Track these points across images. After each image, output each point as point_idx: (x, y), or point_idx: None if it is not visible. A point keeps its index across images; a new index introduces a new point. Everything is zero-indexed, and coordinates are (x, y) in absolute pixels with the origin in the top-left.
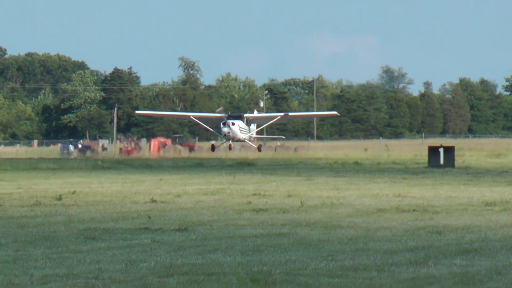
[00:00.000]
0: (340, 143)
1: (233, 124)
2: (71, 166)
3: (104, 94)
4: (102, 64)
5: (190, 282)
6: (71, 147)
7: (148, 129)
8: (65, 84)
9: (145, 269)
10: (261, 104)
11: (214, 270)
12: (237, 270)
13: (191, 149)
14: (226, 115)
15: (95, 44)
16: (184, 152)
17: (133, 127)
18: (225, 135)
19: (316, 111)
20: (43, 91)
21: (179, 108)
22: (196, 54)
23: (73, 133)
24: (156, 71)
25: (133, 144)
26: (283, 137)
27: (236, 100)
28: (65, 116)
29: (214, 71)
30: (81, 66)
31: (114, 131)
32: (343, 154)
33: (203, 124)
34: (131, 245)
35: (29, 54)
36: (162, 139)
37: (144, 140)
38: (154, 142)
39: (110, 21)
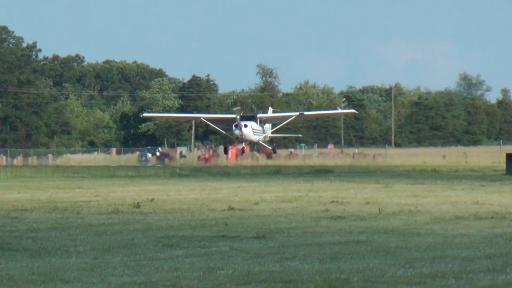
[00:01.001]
0: (418, 150)
1: (245, 126)
2: (149, 173)
3: (182, 102)
4: (180, 71)
5: None
6: (149, 155)
7: (226, 136)
8: (143, 91)
9: (223, 277)
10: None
11: (292, 277)
12: (315, 278)
13: (269, 156)
14: (239, 116)
15: (173, 51)
16: (262, 159)
17: (211, 135)
18: (237, 137)
19: (332, 109)
20: (121, 99)
21: None
22: (274, 61)
23: (151, 141)
24: (234, 78)
25: (211, 151)
26: (300, 135)
27: (314, 107)
28: (143, 124)
29: (292, 78)
30: (159, 73)
31: (192, 138)
32: (421, 161)
33: (214, 126)
34: (209, 252)
35: (107, 62)
36: (239, 146)
37: (222, 148)
38: (232, 150)
39: (188, 28)
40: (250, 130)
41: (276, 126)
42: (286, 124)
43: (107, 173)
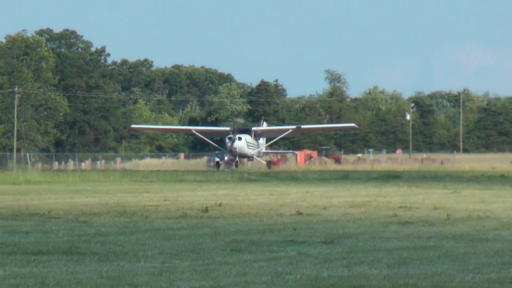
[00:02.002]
0: (486, 156)
1: (239, 139)
2: (217, 178)
3: (250, 107)
4: (248, 76)
5: None
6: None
7: (294, 141)
8: (212, 96)
9: (291, 282)
10: (408, 117)
11: (360, 283)
12: (383, 283)
13: (337, 161)
14: (232, 129)
15: (241, 57)
16: (330, 164)
17: (279, 139)
18: (231, 151)
19: (333, 123)
20: (189, 104)
21: (325, 121)
22: (343, 66)
23: (220, 145)
24: (303, 83)
25: (279, 156)
26: (295, 152)
27: (382, 112)
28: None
29: (360, 83)
30: (227, 78)
31: None
32: (489, 167)
33: (205, 139)
34: (277, 257)
35: (175, 66)
36: (308, 151)
37: (292, 153)
38: (300, 154)
39: (257, 34)
40: (244, 143)
41: (271, 140)
42: (283, 138)
43: (175, 177)
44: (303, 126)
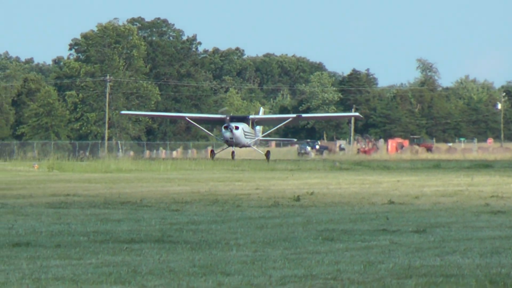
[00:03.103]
0: None
1: (236, 128)
2: (309, 167)
3: (341, 96)
4: (340, 65)
5: (429, 284)
6: (308, 148)
7: (385, 130)
8: (303, 85)
9: (383, 271)
10: (499, 106)
11: (453, 272)
12: (475, 273)
13: (429, 149)
14: (228, 117)
15: (332, 46)
16: (421, 153)
17: (371, 128)
18: (227, 140)
19: (336, 113)
20: (280, 92)
21: (416, 110)
22: (434, 56)
23: (310, 134)
24: (394, 72)
25: (370, 145)
26: (294, 139)
27: (473, 101)
28: None
29: (451, 73)
30: (319, 67)
31: (352, 132)
32: None
33: (200, 127)
34: (369, 246)
35: (267, 55)
36: (399, 140)
37: (381, 141)
38: (392, 143)
39: (348, 23)
40: (242, 132)
41: (270, 129)
42: (283, 126)
43: (267, 166)
44: (303, 115)
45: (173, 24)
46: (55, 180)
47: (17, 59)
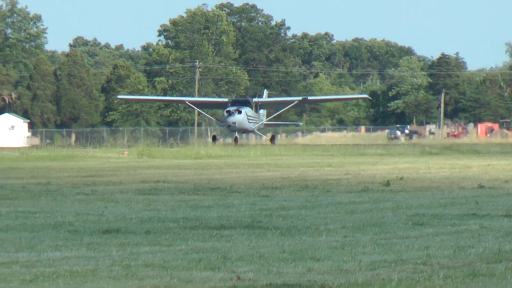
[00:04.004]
0: None
1: (239, 112)
2: (398, 151)
3: (431, 80)
4: (429, 49)
5: None
6: (398, 133)
7: (475, 114)
8: (392, 69)
9: (473, 255)
10: None
11: None
12: None
13: None
14: (231, 101)
15: (421, 30)
16: (511, 137)
17: (460, 112)
18: (229, 125)
19: (343, 95)
20: (370, 77)
21: (506, 94)
22: None
23: (400, 119)
24: (483, 56)
25: (460, 129)
26: (299, 123)
27: None
28: (392, 103)
29: None
30: (408, 51)
31: (441, 116)
32: None
33: (200, 111)
34: (459, 231)
35: (356, 40)
36: (489, 124)
37: (471, 125)
38: (481, 127)
39: (437, 7)
40: (245, 117)
41: (274, 113)
42: (288, 109)
43: (356, 151)
44: (309, 98)
45: (262, 10)
46: (145, 167)
47: (107, 45)
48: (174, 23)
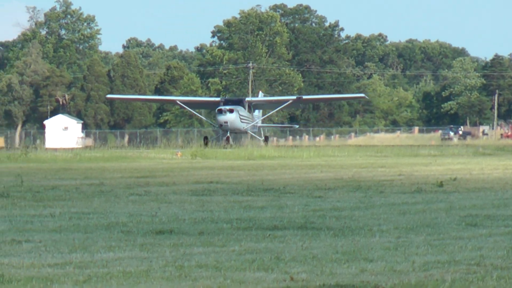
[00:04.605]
0: None
1: (231, 111)
2: (452, 152)
3: (484, 81)
4: (482, 50)
5: None
6: (451, 134)
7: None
8: (446, 71)
9: None
10: None
11: None
12: None
13: None
14: (223, 100)
15: (475, 31)
16: None
17: None
18: (221, 125)
19: (339, 93)
20: (423, 78)
21: None
22: None
23: (453, 120)
24: None
25: None
26: (296, 125)
27: None
28: (446, 104)
29: None
30: (461, 53)
31: (495, 117)
32: None
33: (191, 110)
34: None
35: (409, 41)
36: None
37: None
38: None
39: (490, 7)
40: (237, 116)
41: (268, 113)
42: (282, 109)
43: (410, 152)
44: (304, 97)
45: (315, 11)
46: (198, 168)
47: (161, 46)
48: (228, 24)
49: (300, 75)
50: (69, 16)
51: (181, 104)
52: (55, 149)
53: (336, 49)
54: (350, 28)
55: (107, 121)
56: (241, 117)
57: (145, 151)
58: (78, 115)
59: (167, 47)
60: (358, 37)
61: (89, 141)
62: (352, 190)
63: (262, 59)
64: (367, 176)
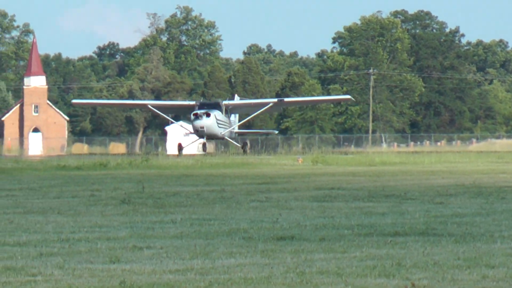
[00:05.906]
0: None
1: (207, 115)
2: None
3: None
4: None
5: None
6: None
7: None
8: None
9: None
10: None
11: None
12: None
13: None
14: (198, 103)
15: None
16: None
17: None
18: (197, 130)
19: (324, 95)
20: None
21: None
22: None
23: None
24: None
25: None
26: (275, 131)
27: None
28: None
29: None
30: None
31: None
32: None
33: (164, 115)
34: None
35: None
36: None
37: None
38: None
39: None
40: (214, 121)
41: (247, 117)
42: (262, 113)
43: None
44: (286, 99)
45: (436, 16)
46: (319, 174)
47: (281, 52)
48: (349, 30)
49: (421, 80)
50: (190, 23)
51: (153, 108)
52: (175, 156)
53: (457, 55)
54: (471, 34)
55: None
56: (218, 122)
57: (266, 158)
58: None
59: (287, 53)
60: (479, 43)
61: (211, 148)
62: (473, 196)
63: (383, 65)
64: (488, 182)
